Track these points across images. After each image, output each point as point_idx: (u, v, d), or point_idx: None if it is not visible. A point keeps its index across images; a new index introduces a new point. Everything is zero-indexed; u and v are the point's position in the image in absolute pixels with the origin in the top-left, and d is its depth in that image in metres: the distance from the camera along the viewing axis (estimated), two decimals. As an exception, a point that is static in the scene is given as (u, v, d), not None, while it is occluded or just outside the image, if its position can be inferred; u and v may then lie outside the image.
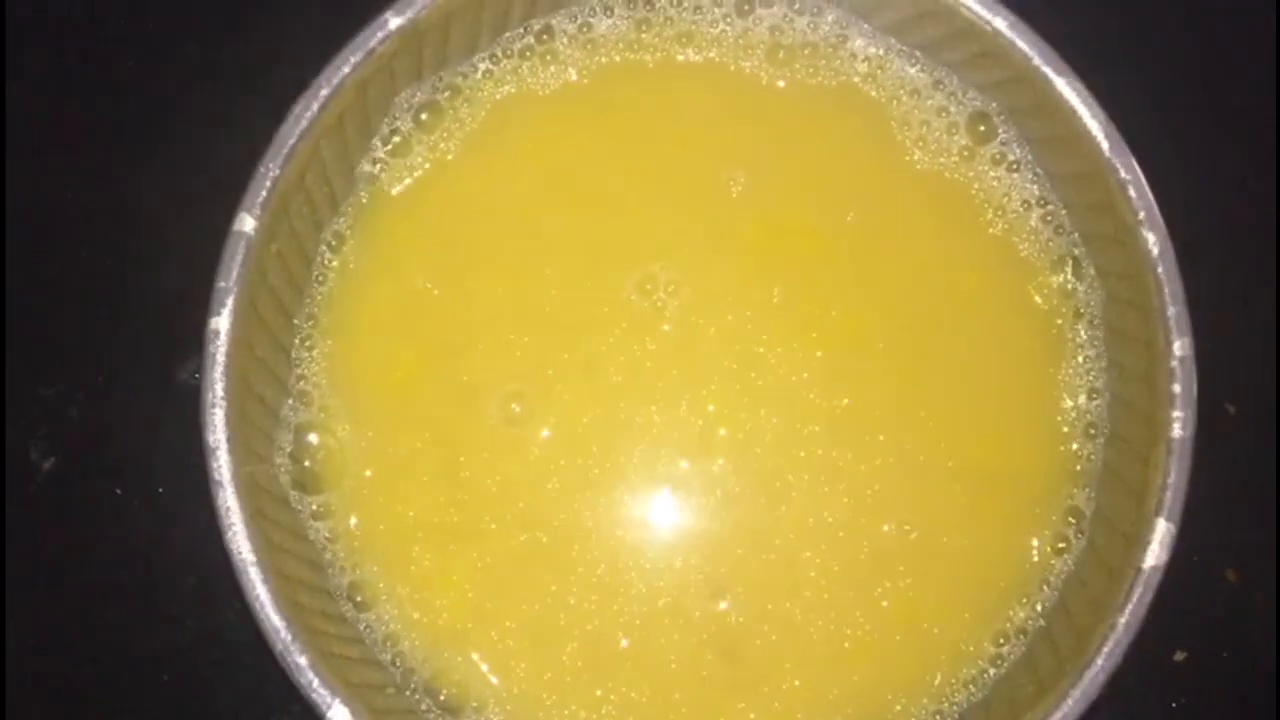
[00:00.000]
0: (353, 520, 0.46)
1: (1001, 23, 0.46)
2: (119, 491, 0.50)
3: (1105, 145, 0.45)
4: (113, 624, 0.49)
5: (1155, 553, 0.42)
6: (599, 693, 0.45)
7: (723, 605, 0.46)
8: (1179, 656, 0.51)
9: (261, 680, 0.47)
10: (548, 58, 0.49)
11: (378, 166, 0.48)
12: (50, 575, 0.49)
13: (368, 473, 0.46)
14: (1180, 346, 0.43)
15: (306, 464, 0.46)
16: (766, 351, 0.47)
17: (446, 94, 0.48)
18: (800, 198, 0.49)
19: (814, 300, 0.48)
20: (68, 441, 0.50)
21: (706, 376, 0.47)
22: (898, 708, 0.46)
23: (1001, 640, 0.46)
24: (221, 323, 0.43)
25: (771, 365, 0.47)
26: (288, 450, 0.46)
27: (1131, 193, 0.44)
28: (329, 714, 0.41)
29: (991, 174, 0.48)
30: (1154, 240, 0.44)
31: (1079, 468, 0.47)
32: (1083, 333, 0.48)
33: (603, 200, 0.48)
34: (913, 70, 0.49)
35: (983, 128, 0.48)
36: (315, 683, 0.41)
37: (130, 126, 0.52)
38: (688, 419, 0.47)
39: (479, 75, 0.48)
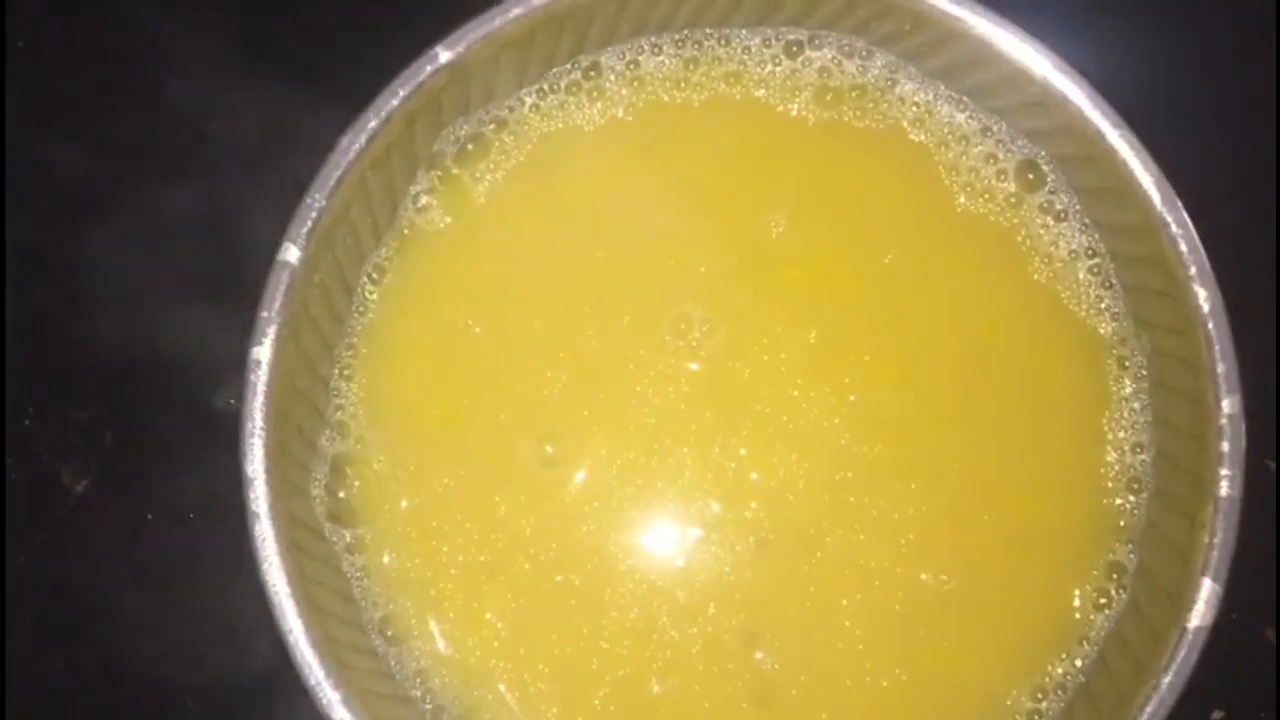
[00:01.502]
0: (386, 555, 0.46)
1: (1053, 71, 0.45)
2: (150, 517, 0.49)
3: (1157, 198, 0.44)
4: (140, 652, 0.48)
5: (1201, 613, 0.42)
6: (630, 738, 0.45)
7: (758, 653, 0.45)
8: (1216, 715, 0.51)
9: (290, 714, 0.46)
10: (595, 94, 0.49)
11: (422, 199, 0.48)
12: (78, 599, 0.49)
13: (403, 506, 0.46)
14: (1230, 404, 0.43)
15: (342, 496, 0.46)
16: (800, 395, 0.47)
17: (492, 127, 0.48)
18: (842, 241, 0.48)
19: (850, 344, 0.47)
20: (100, 465, 0.50)
21: (739, 420, 0.47)
22: (933, 760, 0.45)
23: (1040, 695, 0.46)
24: (263, 353, 0.42)
25: (804, 409, 0.47)
26: (324, 482, 0.46)
27: (1183, 247, 0.44)
28: (360, 751, 0.40)
29: (1039, 222, 0.48)
30: (1205, 296, 0.44)
31: (1122, 523, 0.46)
32: (1128, 386, 0.47)
33: (644, 238, 0.48)
34: (961, 116, 0.49)
35: (1031, 175, 0.48)
36: (347, 719, 0.41)
37: (174, 149, 0.52)
38: (720, 463, 0.46)
39: (526, 109, 0.48)
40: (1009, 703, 0.45)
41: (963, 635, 0.46)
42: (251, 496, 0.42)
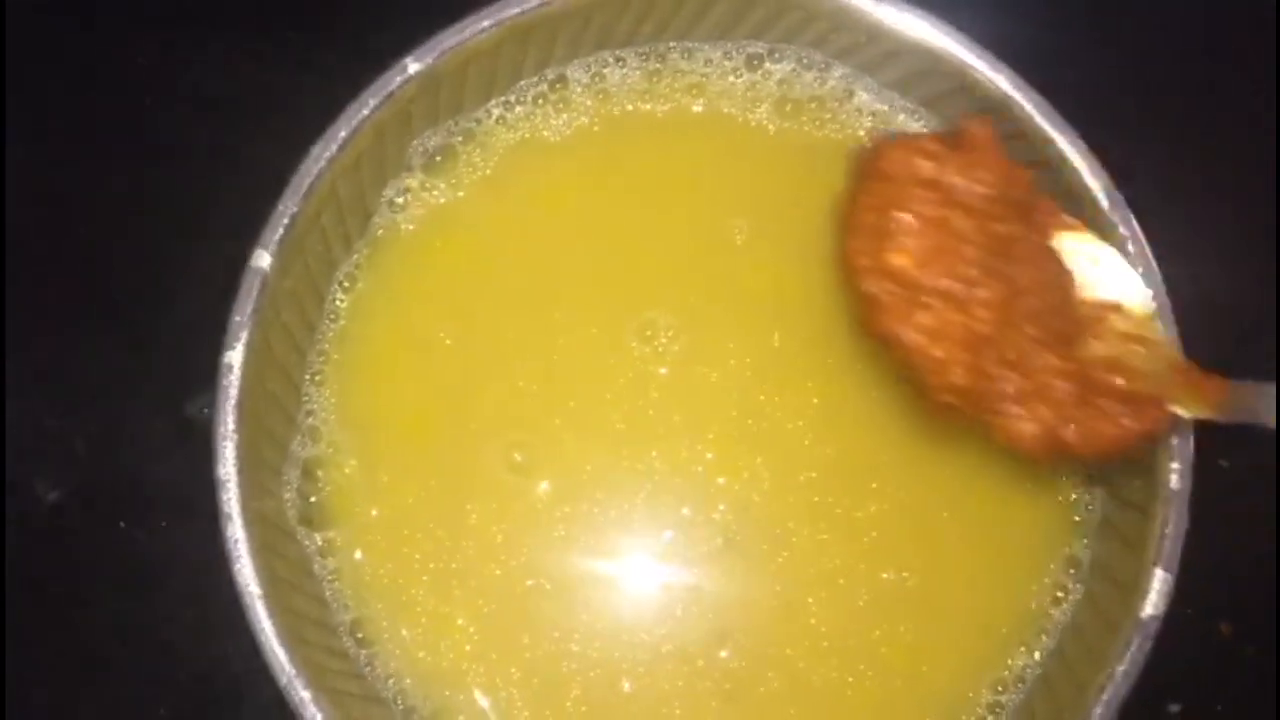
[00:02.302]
0: (357, 556, 0.46)
1: (1002, 80, 0.47)
2: (123, 525, 0.50)
3: (1104, 202, 0.46)
4: (114, 657, 0.48)
5: (1154, 602, 0.43)
6: (601, 737, 0.45)
7: (724, 652, 0.46)
8: (1173, 708, 0.52)
9: (262, 715, 0.46)
10: (560, 105, 0.50)
11: (392, 208, 0.49)
12: (52, 607, 0.49)
13: (374, 511, 0.47)
14: (1177, 400, 0.44)
15: (313, 500, 0.46)
16: (765, 399, 0.48)
17: (460, 139, 0.49)
18: (803, 247, 0.49)
19: (813, 348, 0.48)
20: (73, 474, 0.50)
21: (705, 424, 0.48)
22: (897, 754, 0.46)
23: (1000, 688, 0.46)
24: (235, 357, 0.43)
25: (768, 412, 0.48)
26: (295, 485, 0.46)
27: (1130, 249, 0.45)
28: (331, 749, 0.41)
29: (992, 227, 0.49)
30: (1152, 296, 0.45)
31: (1077, 518, 0.48)
32: (1081, 385, 0.48)
33: (610, 247, 0.49)
34: (916, 125, 0.50)
35: (984, 181, 0.49)
36: (318, 718, 0.41)
37: (145, 159, 0.52)
38: (688, 466, 0.47)
39: (493, 121, 0.49)
40: (970, 695, 0.46)
41: (924, 630, 0.46)
42: (223, 499, 0.42)
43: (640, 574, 0.47)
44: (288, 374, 0.46)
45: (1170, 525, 0.44)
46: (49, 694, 0.48)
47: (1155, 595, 0.43)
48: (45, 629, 0.49)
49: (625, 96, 0.50)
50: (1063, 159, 0.46)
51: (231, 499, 0.42)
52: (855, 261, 0.43)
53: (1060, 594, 0.47)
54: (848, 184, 0.45)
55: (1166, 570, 0.43)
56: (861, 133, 0.50)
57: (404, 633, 0.46)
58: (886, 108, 0.50)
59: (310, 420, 0.47)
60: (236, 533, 0.42)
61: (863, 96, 0.50)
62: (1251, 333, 0.53)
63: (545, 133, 0.50)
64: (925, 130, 0.50)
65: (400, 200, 0.49)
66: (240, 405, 0.43)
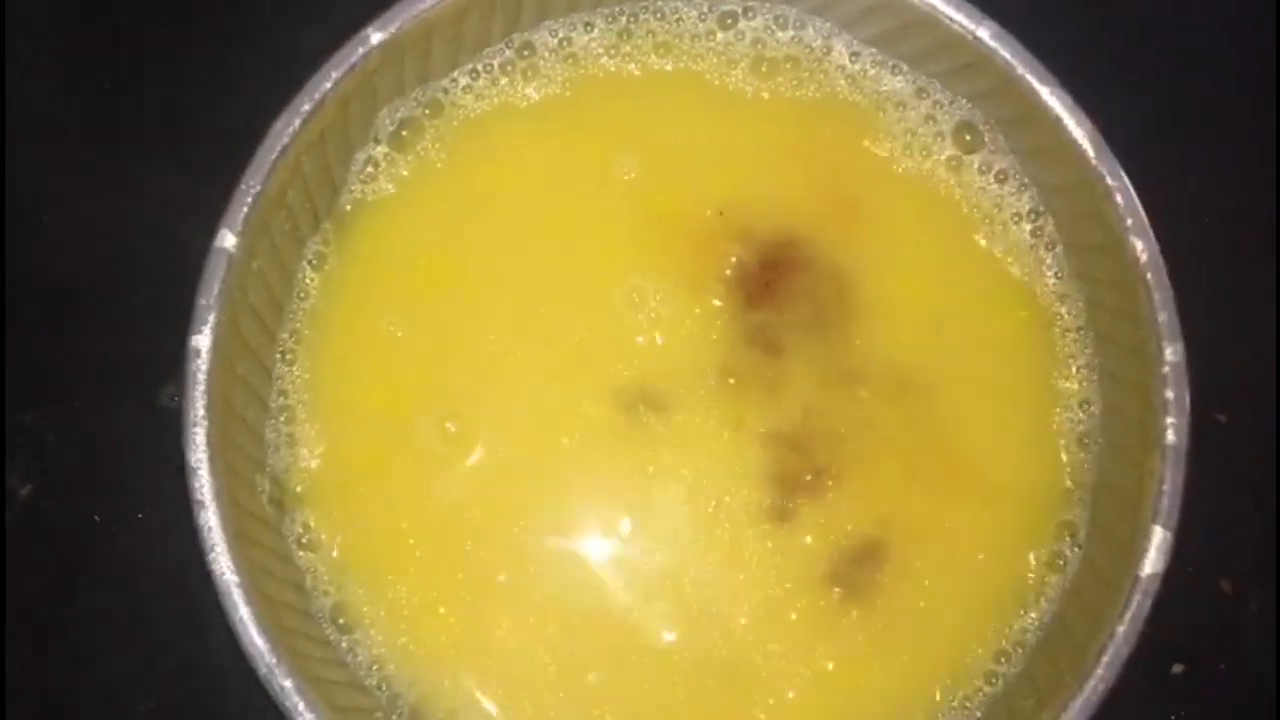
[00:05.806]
0: (335, 542, 0.45)
1: (985, 33, 0.46)
2: (97, 518, 0.49)
3: (1091, 153, 0.45)
4: (93, 651, 0.48)
5: (1153, 560, 0.42)
6: (582, 723, 0.44)
7: (712, 630, 0.45)
8: (1176, 669, 0.51)
9: (245, 707, 0.46)
10: (529, 72, 0.48)
11: (359, 182, 0.47)
12: (29, 603, 0.48)
13: (351, 495, 0.45)
14: (1172, 353, 0.43)
15: (289, 484, 0.45)
16: (755, 361, 0.47)
17: (427, 110, 0.48)
18: (782, 210, 0.48)
19: (797, 309, 0.47)
20: (45, 467, 0.49)
21: (686, 390, 0.46)
22: (895, 725, 0.45)
23: (1000, 655, 0.46)
24: (202, 341, 0.42)
25: (749, 375, 0.47)
26: (269, 471, 0.45)
27: (1119, 200, 0.44)
28: (314, 738, 0.40)
29: (979, 184, 0.48)
30: (1142, 247, 0.44)
31: (1072, 481, 0.47)
32: (1072, 342, 0.47)
33: (582, 217, 0.48)
34: (897, 81, 0.49)
35: (969, 137, 0.48)
36: (301, 706, 0.40)
37: (106, 144, 0.51)
38: (663, 449, 0.46)
39: (460, 89, 0.48)
40: (969, 662, 0.46)
41: (920, 597, 0.45)
42: (195, 485, 0.41)
43: (614, 564, 0.46)
44: (257, 356, 0.45)
45: (1169, 481, 0.43)
46: (27, 691, 0.48)
47: (1155, 552, 0.42)
48: (21, 626, 0.48)
49: (595, 60, 0.49)
50: (1048, 110, 0.45)
51: (204, 486, 0.41)
52: None
53: (1060, 560, 0.46)
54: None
55: (1165, 528, 0.42)
56: (840, 91, 0.49)
57: (385, 618, 0.45)
58: (866, 64, 0.49)
59: (283, 400, 0.46)
60: (210, 520, 0.41)
61: (841, 54, 0.49)
62: (1240, 280, 0.52)
63: (514, 100, 0.48)
64: (907, 86, 0.49)
65: (368, 174, 0.47)
66: (209, 390, 0.42)
